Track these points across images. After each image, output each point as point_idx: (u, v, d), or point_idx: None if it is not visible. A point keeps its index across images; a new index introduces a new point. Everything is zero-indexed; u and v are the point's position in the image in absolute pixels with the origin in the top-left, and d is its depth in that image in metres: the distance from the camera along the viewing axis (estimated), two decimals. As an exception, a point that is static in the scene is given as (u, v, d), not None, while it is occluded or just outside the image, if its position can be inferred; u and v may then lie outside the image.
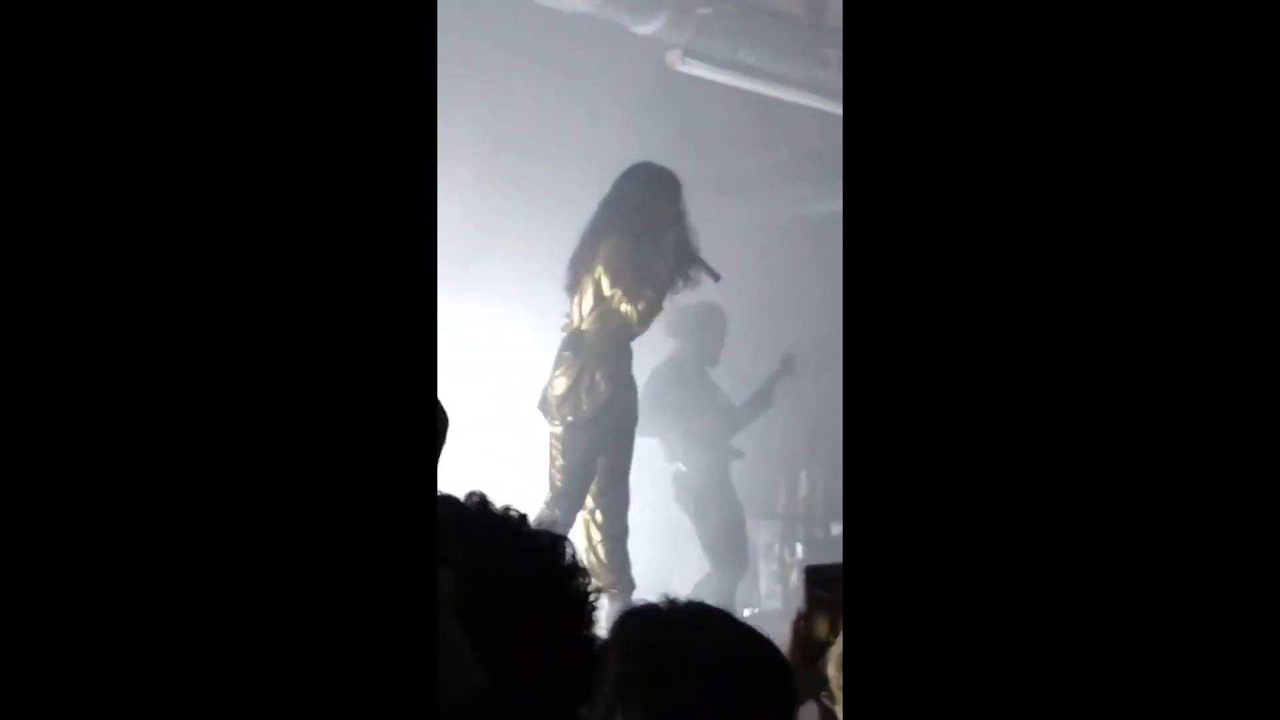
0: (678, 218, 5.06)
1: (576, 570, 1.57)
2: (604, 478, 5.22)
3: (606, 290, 5.01)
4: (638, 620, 1.78)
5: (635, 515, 5.36)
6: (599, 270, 5.03)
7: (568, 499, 5.12)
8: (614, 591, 5.17)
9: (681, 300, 5.57)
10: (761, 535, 7.12)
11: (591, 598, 1.57)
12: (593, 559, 5.25)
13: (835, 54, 6.61)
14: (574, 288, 5.15)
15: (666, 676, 1.69)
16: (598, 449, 5.15)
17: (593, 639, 1.57)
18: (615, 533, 5.27)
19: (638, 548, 5.42)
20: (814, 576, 2.13)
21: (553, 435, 5.18)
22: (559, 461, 5.15)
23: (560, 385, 5.13)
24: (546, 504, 5.11)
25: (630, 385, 5.25)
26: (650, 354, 6.24)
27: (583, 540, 5.27)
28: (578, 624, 1.56)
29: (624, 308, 4.99)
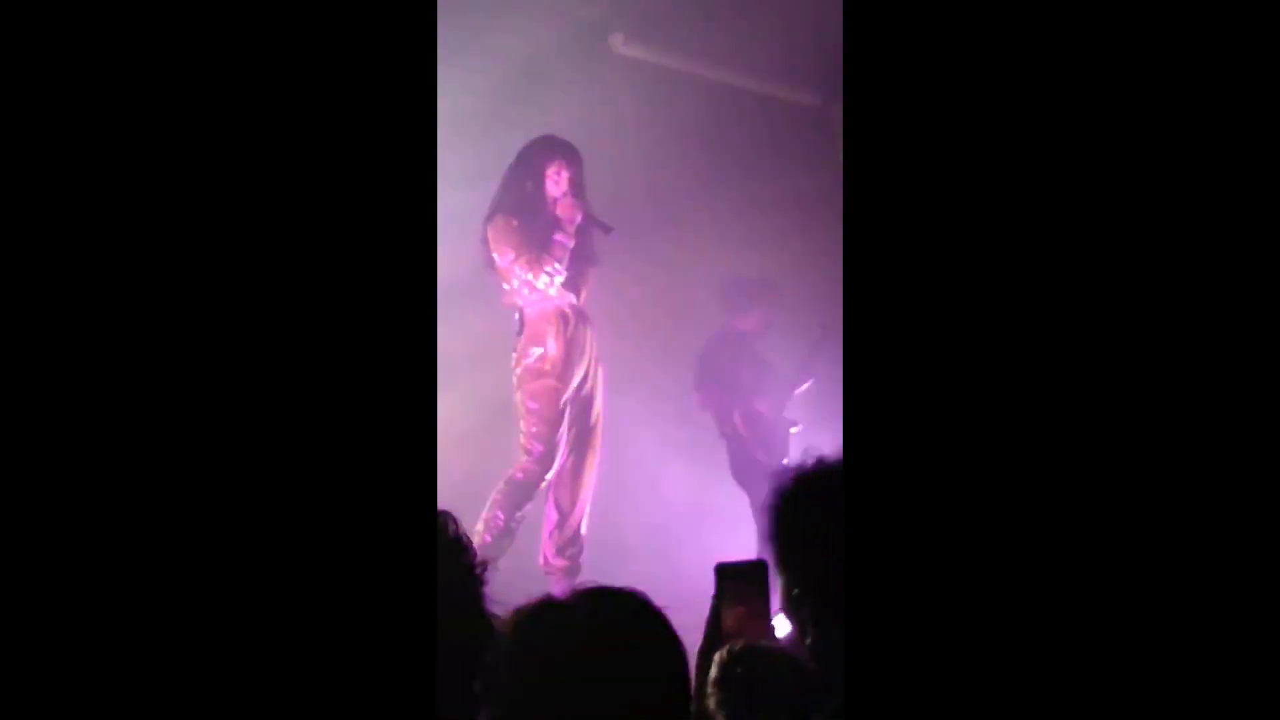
0: (571, 186, 5.16)
1: (461, 545, 1.61)
2: (564, 460, 5.27)
3: (503, 268, 5.12)
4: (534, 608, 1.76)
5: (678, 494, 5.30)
6: (496, 257, 5.14)
7: (539, 463, 5.18)
8: (561, 571, 5.21)
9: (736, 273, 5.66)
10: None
11: (477, 571, 1.61)
12: (547, 544, 5.28)
13: (778, 36, 6.61)
14: (490, 264, 5.25)
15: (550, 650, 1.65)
16: (558, 417, 5.21)
17: (482, 612, 1.60)
18: (569, 519, 5.31)
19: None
20: (724, 571, 2.15)
21: (522, 407, 5.25)
22: (524, 429, 5.22)
23: (516, 358, 5.24)
24: (516, 469, 5.17)
25: (582, 352, 5.30)
26: (702, 327, 6.26)
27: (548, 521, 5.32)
28: (464, 597, 1.59)
29: (529, 278, 5.08)
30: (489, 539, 5.03)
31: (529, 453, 5.23)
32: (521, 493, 5.20)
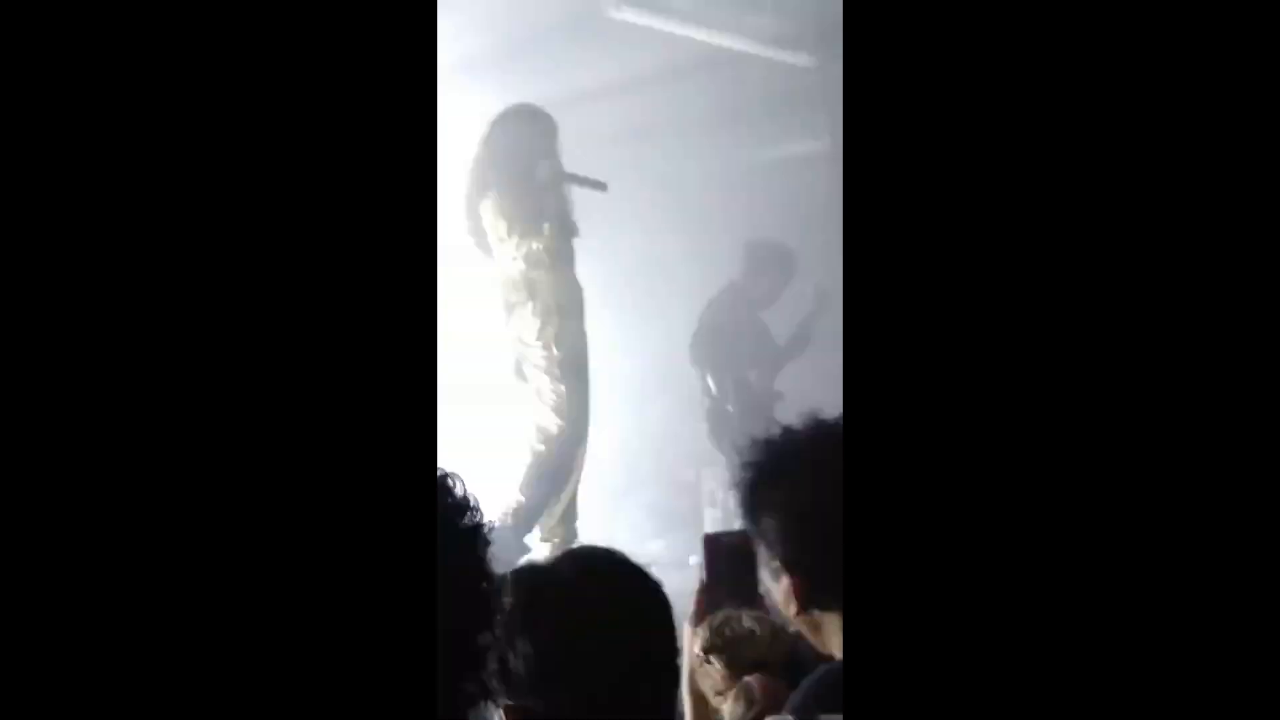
0: (550, 151, 5.15)
1: (466, 506, 1.63)
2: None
3: (504, 243, 5.11)
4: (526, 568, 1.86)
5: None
6: (495, 227, 5.13)
7: (568, 440, 5.18)
8: (557, 542, 5.21)
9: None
10: (706, 483, 7.14)
11: (484, 531, 1.63)
12: (545, 516, 5.28)
13: (771, -2, 6.60)
14: (479, 238, 5.23)
15: (544, 609, 1.75)
16: (577, 390, 5.22)
17: (485, 571, 1.64)
18: (565, 490, 5.30)
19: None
20: (712, 544, 2.16)
21: (540, 384, 5.24)
22: (544, 405, 5.21)
23: (523, 330, 5.22)
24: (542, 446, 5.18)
25: (582, 320, 5.30)
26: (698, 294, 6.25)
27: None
28: (469, 559, 1.61)
29: (533, 247, 5.07)
30: (524, 523, 5.03)
31: (552, 429, 5.21)
32: (555, 472, 5.19)
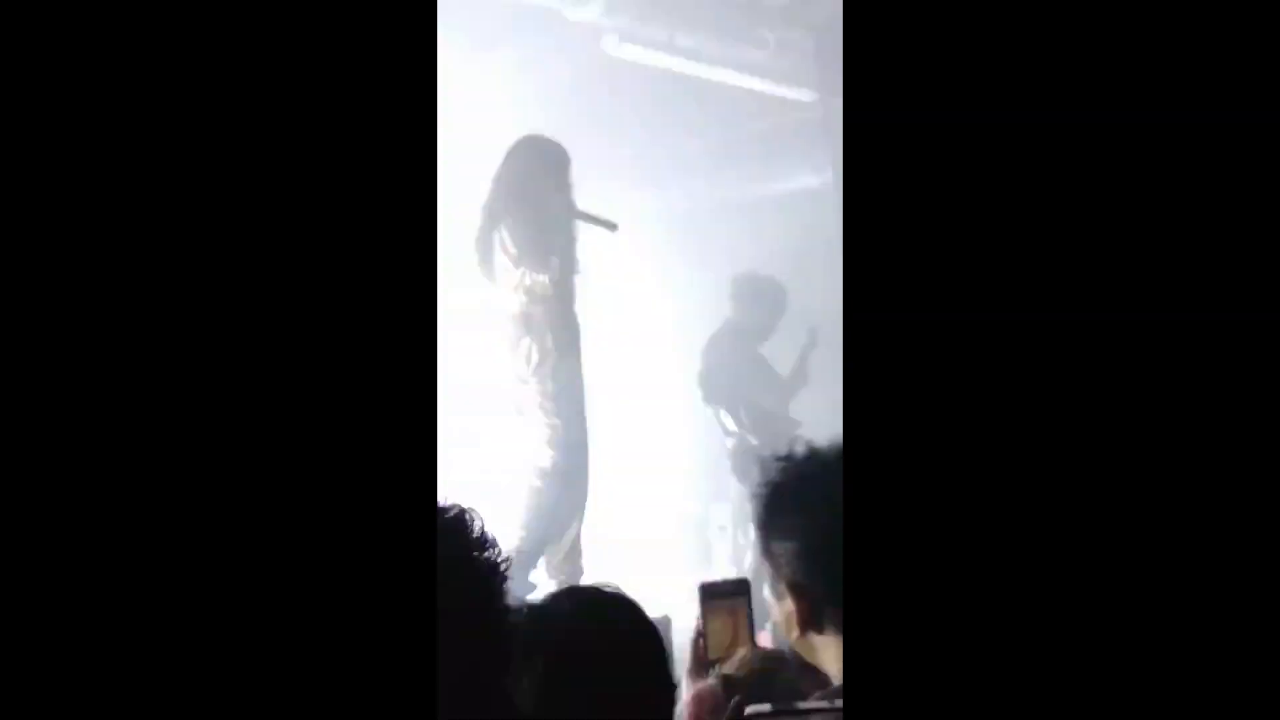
0: (562, 185, 5.15)
1: (484, 542, 1.62)
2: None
3: (515, 274, 5.09)
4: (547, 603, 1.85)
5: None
6: (501, 260, 5.11)
7: (564, 479, 5.16)
8: (563, 579, 5.17)
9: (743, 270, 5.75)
10: (714, 517, 7.12)
11: (502, 567, 1.63)
12: (548, 554, 5.25)
13: (772, 35, 6.63)
14: (489, 271, 5.22)
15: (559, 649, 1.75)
16: (577, 424, 5.20)
17: (505, 608, 1.63)
18: (569, 528, 5.27)
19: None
20: (708, 591, 2.16)
21: (535, 419, 5.22)
22: (540, 440, 5.19)
23: (519, 365, 5.19)
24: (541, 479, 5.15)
25: (582, 354, 5.30)
26: (700, 327, 6.25)
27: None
28: (487, 595, 1.61)
29: (539, 279, 5.06)
30: (528, 560, 5.00)
31: (548, 465, 5.18)
32: (555, 508, 5.16)
